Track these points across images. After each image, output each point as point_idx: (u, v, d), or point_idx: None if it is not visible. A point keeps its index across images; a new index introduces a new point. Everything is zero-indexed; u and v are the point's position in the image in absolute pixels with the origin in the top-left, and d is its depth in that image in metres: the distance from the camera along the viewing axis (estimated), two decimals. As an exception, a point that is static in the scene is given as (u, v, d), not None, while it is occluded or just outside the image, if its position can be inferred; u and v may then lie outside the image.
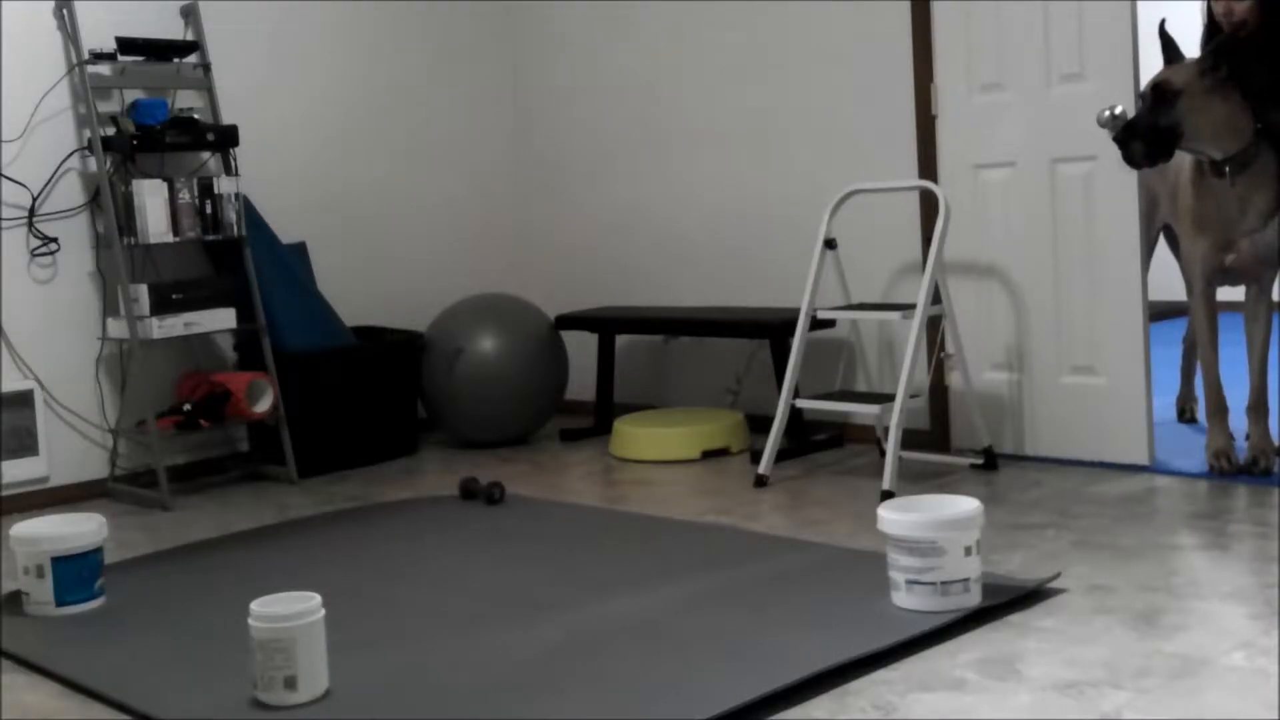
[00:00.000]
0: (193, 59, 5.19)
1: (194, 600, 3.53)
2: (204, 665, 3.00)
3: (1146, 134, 3.94)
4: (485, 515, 4.33)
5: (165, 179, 4.87)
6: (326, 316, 5.33)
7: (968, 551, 3.03)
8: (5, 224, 4.86)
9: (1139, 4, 4.39)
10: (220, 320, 4.98)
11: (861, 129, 5.09)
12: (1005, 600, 3.09)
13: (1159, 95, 3.95)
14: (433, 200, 6.16)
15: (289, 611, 2.70)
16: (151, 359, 5.12)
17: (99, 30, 5.05)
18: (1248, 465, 4.15)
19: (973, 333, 4.81)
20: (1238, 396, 4.72)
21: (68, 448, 5.00)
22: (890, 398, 4.45)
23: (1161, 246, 4.99)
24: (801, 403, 4.60)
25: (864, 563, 3.48)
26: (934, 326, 4.81)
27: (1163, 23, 4.12)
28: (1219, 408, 4.22)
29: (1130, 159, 3.97)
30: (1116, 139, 3.98)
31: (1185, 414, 5.05)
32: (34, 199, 4.91)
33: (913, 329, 4.35)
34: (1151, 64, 4.60)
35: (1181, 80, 3.95)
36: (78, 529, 3.47)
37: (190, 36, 5.25)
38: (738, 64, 5.49)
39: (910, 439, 4.94)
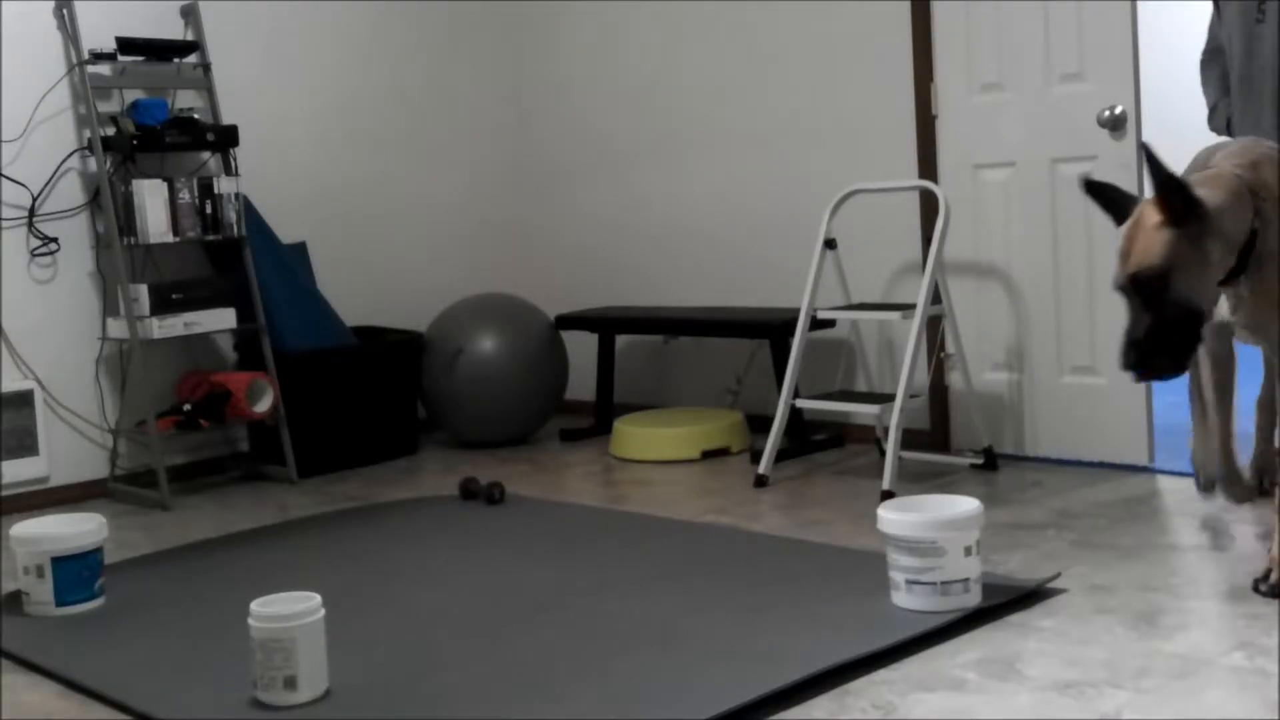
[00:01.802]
0: (193, 59, 5.19)
1: (194, 600, 3.53)
2: (204, 665, 3.00)
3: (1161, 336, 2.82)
4: (485, 515, 4.33)
5: (165, 179, 4.87)
6: (326, 316, 5.33)
7: (968, 551, 3.03)
8: (5, 224, 4.86)
9: (1139, 4, 4.38)
10: (220, 320, 4.98)
11: (861, 129, 5.09)
12: (1005, 600, 3.09)
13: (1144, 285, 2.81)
14: (433, 200, 6.16)
15: (289, 611, 2.70)
16: (151, 359, 5.12)
17: (99, 30, 5.05)
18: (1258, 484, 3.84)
19: (973, 333, 4.81)
20: (1246, 399, 4.70)
21: (68, 448, 5.00)
22: (890, 398, 4.45)
23: None
24: (801, 403, 4.60)
25: (864, 563, 3.48)
26: (934, 326, 4.81)
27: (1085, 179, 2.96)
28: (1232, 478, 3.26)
29: (1158, 376, 2.84)
30: (1130, 367, 2.85)
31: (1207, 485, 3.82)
32: (34, 199, 4.91)
33: (913, 329, 4.35)
34: (1152, 64, 4.60)
35: (1163, 256, 2.79)
36: (78, 529, 3.47)
37: (190, 36, 5.25)
38: (738, 64, 5.49)
39: (910, 439, 4.93)
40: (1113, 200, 2.89)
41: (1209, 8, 4.17)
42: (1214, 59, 4.15)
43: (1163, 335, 2.79)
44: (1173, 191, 2.74)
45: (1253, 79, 3.98)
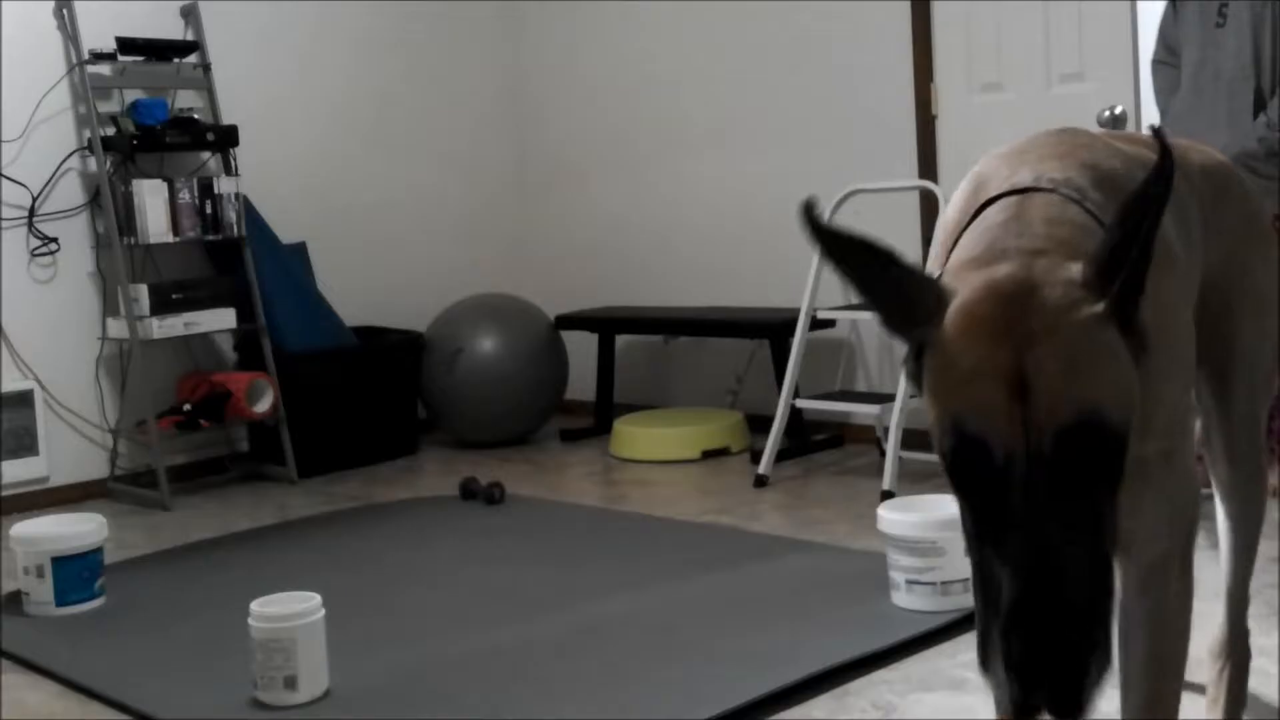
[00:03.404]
0: (193, 59, 5.19)
1: (194, 600, 3.53)
2: (204, 665, 3.00)
3: None
4: (485, 515, 4.33)
5: (165, 179, 4.87)
6: (326, 316, 5.33)
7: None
8: (5, 224, 4.86)
9: (1139, 4, 4.38)
10: (220, 320, 4.98)
11: (861, 129, 5.09)
12: (1005, 600, 3.09)
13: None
14: (433, 200, 6.16)
15: (289, 611, 2.70)
16: (151, 359, 5.11)
17: (99, 30, 5.04)
18: None
19: (973, 333, 4.80)
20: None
21: (68, 448, 4.99)
22: (890, 398, 4.45)
23: None
24: (801, 403, 4.60)
25: (864, 563, 3.48)
26: (934, 326, 4.80)
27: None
28: None
29: None
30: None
31: None
32: (34, 199, 4.91)
33: (913, 329, 4.35)
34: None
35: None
36: (78, 529, 3.47)
37: (190, 36, 5.25)
38: (738, 63, 5.49)
39: (910, 439, 4.93)
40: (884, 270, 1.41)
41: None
42: (1169, 62, 3.84)
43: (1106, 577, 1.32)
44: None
45: (1203, 89, 3.65)
